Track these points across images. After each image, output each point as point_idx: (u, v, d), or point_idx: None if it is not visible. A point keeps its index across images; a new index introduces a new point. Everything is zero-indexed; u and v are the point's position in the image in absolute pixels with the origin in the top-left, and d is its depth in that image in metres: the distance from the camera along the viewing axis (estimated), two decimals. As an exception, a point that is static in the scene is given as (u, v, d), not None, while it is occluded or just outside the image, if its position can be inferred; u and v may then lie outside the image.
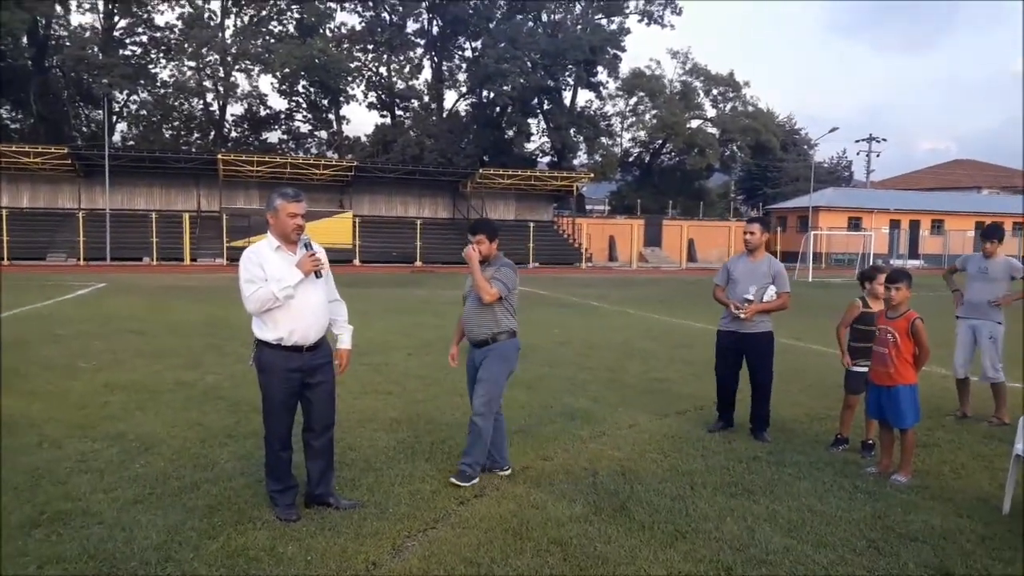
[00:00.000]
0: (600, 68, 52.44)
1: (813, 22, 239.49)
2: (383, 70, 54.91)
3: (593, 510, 4.63)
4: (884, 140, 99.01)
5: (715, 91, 57.94)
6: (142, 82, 47.97)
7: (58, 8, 45.95)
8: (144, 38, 50.40)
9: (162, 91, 50.01)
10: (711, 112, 58.67)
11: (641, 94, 56.19)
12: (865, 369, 5.91)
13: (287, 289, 4.27)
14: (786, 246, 43.59)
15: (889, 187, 66.18)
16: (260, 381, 4.44)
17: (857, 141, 71.08)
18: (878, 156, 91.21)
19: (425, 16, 53.92)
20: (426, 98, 55.68)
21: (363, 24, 53.71)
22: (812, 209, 46.44)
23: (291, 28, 51.49)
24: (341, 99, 52.62)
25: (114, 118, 48.63)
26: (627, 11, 53.31)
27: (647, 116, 57.04)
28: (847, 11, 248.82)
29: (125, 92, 48.01)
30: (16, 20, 38.88)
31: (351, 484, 5.00)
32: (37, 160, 36.28)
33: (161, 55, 50.46)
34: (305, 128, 55.95)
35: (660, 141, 57.65)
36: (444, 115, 55.19)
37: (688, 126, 55.63)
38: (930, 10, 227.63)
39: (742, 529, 4.39)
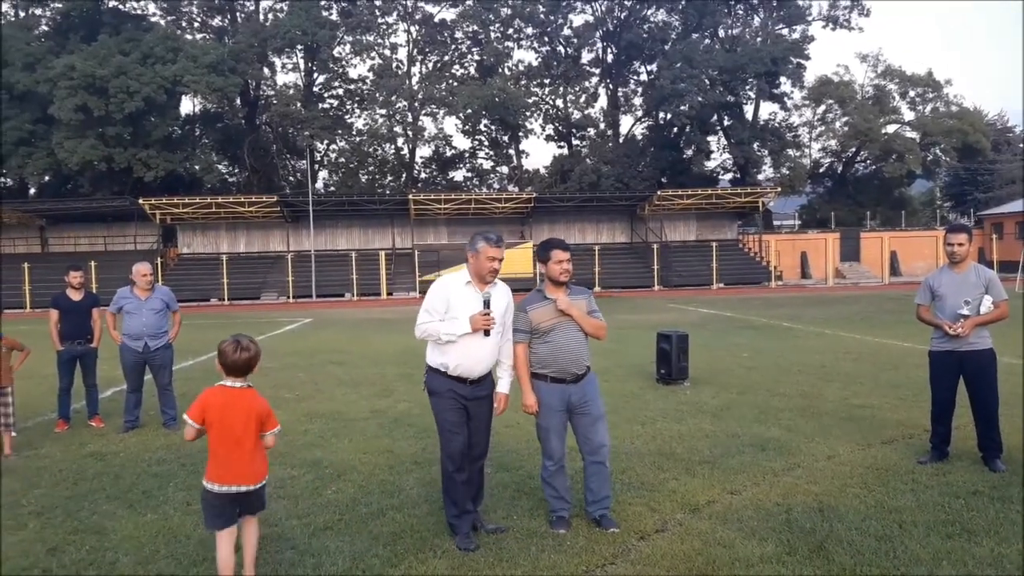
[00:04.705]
0: (783, 79, 50.74)
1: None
2: (559, 102, 56.00)
3: (787, 550, 4.29)
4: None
5: (912, 93, 55.04)
6: (339, 132, 51.87)
7: (265, 71, 50.92)
8: (340, 91, 54.68)
9: (357, 139, 53.68)
10: (909, 115, 55.72)
11: (830, 102, 54.31)
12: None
13: (451, 336, 4.47)
14: (1004, 255, 39.47)
15: None
16: (431, 404, 4.66)
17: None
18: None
19: (599, 45, 54.52)
20: (602, 125, 56.16)
21: (539, 59, 55.15)
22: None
23: (472, 70, 53.82)
24: (520, 134, 54.29)
25: (316, 167, 52.95)
26: (809, 18, 51.40)
27: (837, 124, 54.89)
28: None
29: (325, 142, 52.18)
30: (230, 84, 43.54)
31: (530, 513, 4.98)
32: (251, 209, 40.22)
33: (355, 105, 54.48)
34: (488, 165, 58.04)
35: (853, 149, 54.92)
36: (620, 140, 55.25)
37: (884, 131, 52.60)
38: None
39: (961, 575, 3.92)
